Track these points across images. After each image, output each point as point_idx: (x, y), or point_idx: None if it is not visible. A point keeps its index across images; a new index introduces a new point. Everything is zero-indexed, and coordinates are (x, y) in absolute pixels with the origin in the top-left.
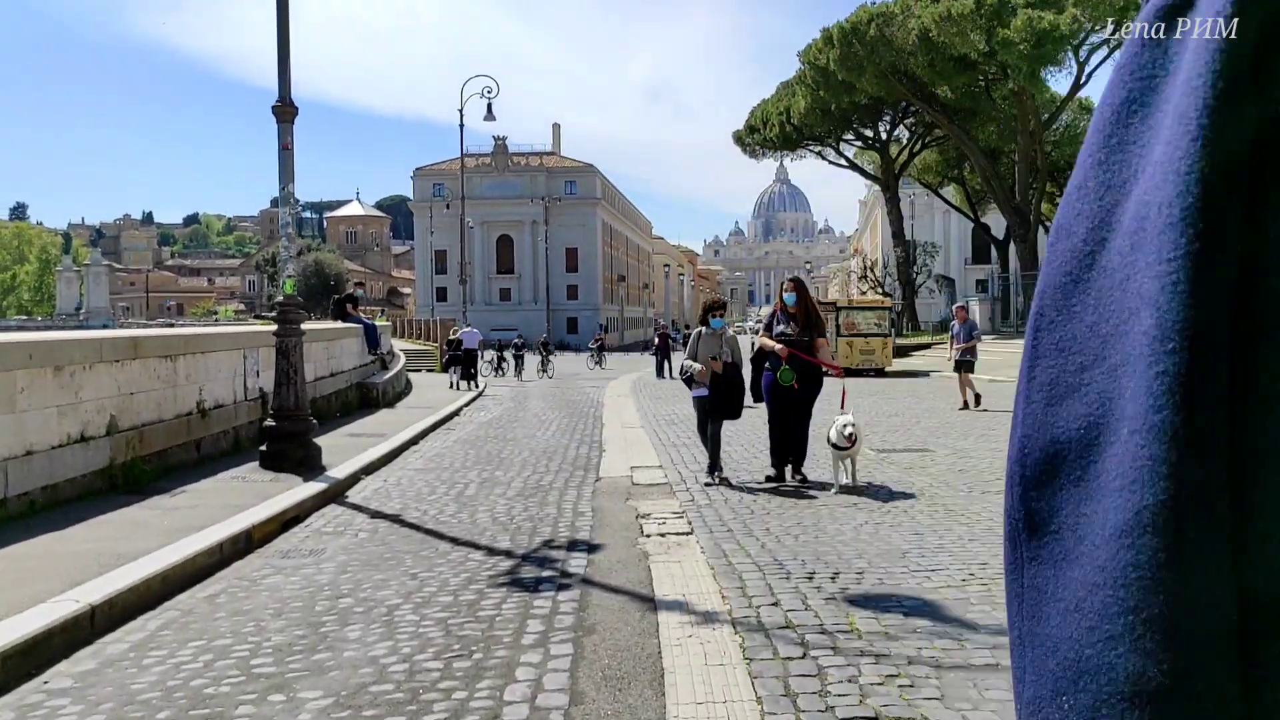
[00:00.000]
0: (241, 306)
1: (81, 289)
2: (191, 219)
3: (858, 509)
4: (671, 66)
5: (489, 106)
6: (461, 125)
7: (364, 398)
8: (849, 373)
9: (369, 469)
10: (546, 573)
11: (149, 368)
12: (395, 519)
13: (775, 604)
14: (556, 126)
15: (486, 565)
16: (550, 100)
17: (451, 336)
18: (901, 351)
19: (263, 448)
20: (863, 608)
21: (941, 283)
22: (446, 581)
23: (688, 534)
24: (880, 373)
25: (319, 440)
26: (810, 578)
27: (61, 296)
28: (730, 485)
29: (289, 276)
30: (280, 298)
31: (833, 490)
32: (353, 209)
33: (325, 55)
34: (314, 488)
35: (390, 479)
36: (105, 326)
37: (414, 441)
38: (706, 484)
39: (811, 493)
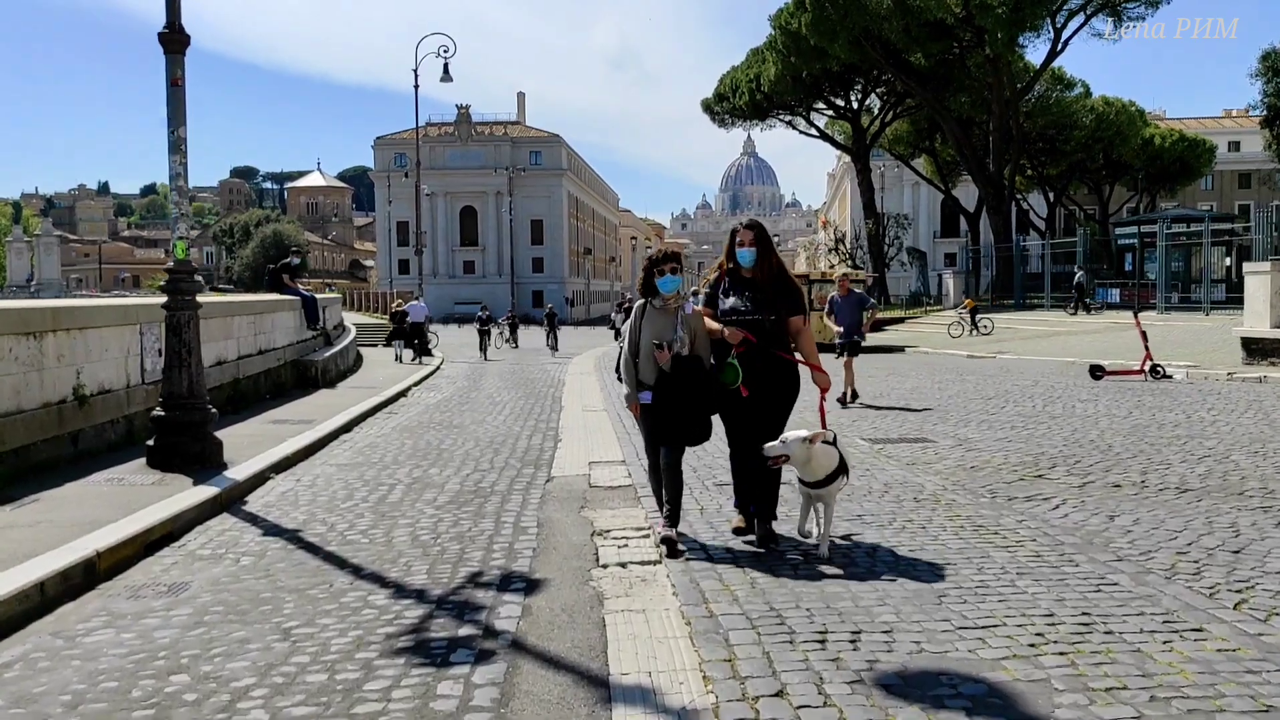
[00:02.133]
0: (199, 279)
1: (33, 260)
2: (149, 189)
3: (867, 525)
4: (636, 34)
5: (445, 67)
6: (416, 86)
7: (301, 377)
8: (821, 348)
9: (282, 465)
10: (465, 629)
11: (1, 347)
12: (293, 536)
13: (779, 693)
14: (521, 95)
15: (388, 616)
16: (515, 68)
17: (395, 309)
18: (874, 326)
19: (150, 442)
20: (903, 699)
21: (913, 256)
22: (327, 644)
23: (655, 563)
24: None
25: (234, 429)
26: (822, 641)
27: (12, 268)
28: (684, 549)
29: (180, 238)
30: (171, 263)
31: (809, 541)
32: (313, 179)
33: (284, 21)
34: (202, 493)
35: (305, 478)
36: (57, 299)
37: (347, 429)
38: (664, 538)
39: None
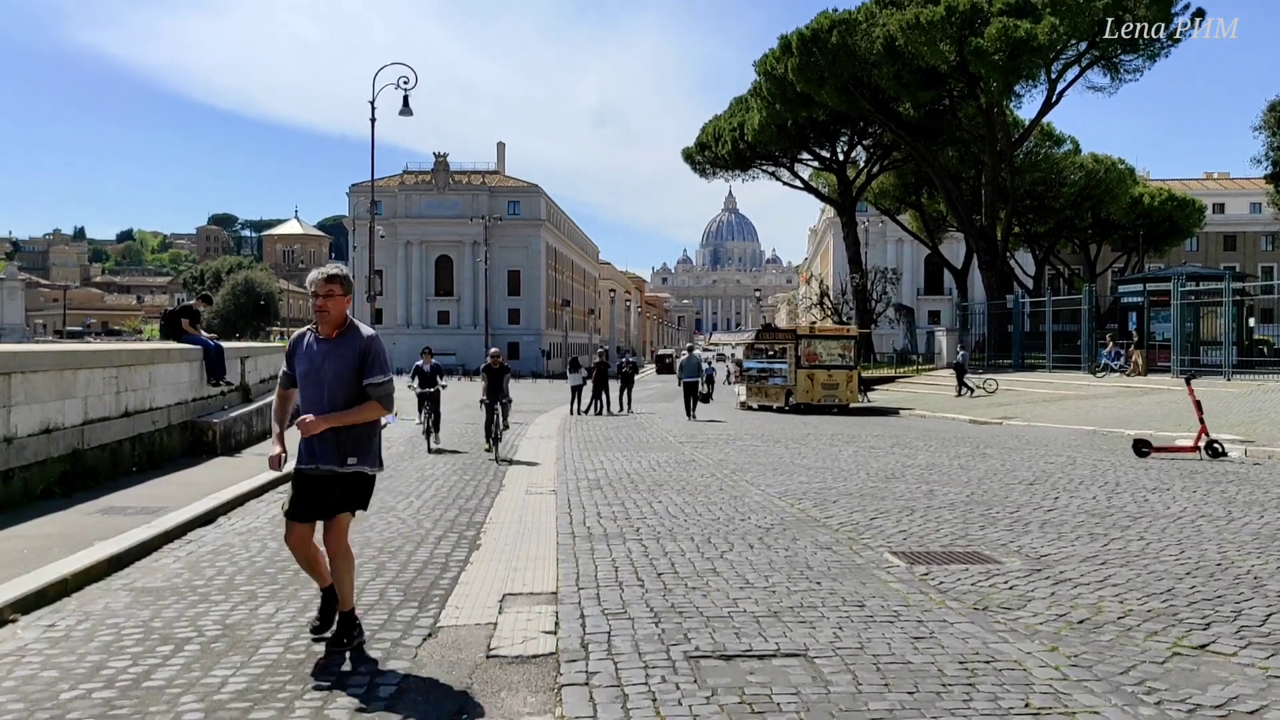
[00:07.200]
0: None
1: None
2: (125, 235)
3: None
4: (619, 92)
5: (405, 99)
6: (374, 120)
7: (195, 442)
8: (809, 409)
9: (34, 601)
10: None
11: None
12: None
13: None
14: (501, 145)
15: None
16: (496, 125)
17: None
18: (864, 386)
19: None
20: None
21: (901, 312)
22: None
23: None
24: (845, 409)
25: (21, 528)
26: None
27: None
28: None
29: None
30: None
31: None
32: (291, 227)
33: (269, 73)
34: None
35: (49, 635)
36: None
37: (209, 519)
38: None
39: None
